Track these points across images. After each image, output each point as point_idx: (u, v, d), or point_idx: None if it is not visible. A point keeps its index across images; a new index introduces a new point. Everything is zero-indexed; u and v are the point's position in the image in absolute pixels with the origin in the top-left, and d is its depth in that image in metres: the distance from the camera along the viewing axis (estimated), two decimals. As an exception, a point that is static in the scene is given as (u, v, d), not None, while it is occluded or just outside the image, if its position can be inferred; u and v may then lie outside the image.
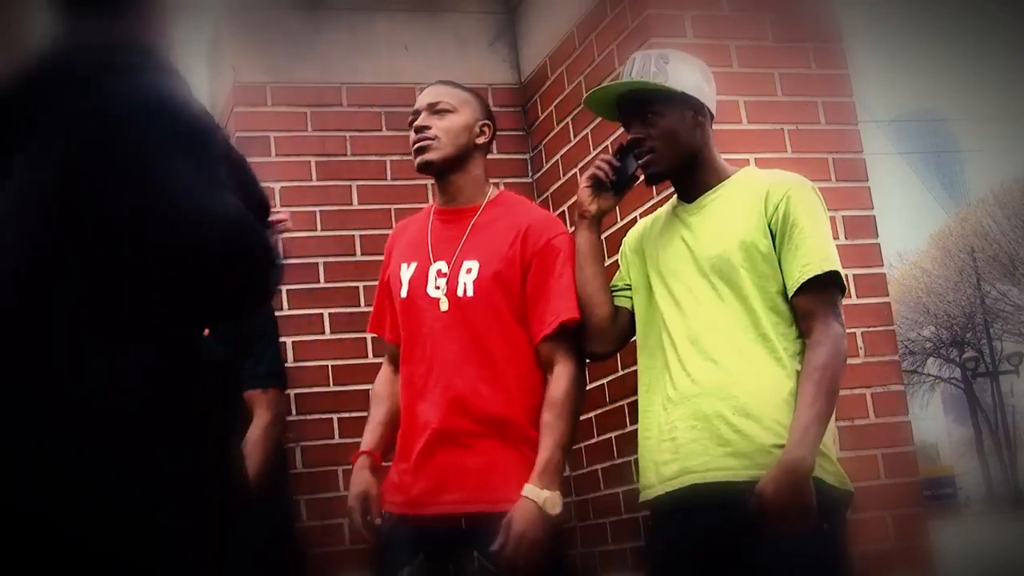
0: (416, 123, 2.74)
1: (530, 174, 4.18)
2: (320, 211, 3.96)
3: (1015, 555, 13.37)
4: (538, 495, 2.48)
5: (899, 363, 3.54)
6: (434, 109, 2.73)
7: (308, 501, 3.69)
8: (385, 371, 2.89)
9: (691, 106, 2.50)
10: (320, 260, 3.93)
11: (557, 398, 2.60)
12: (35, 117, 1.42)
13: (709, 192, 2.53)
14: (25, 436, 1.27)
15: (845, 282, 2.46)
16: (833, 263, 2.40)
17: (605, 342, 2.65)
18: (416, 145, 2.72)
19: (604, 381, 3.70)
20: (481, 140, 2.76)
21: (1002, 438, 33.16)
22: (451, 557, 2.58)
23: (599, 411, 3.76)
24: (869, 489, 3.30)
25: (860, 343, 3.40)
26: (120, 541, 1.29)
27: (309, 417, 3.46)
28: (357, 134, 4.04)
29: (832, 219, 3.48)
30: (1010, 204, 32.79)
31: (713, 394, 2.38)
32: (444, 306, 2.67)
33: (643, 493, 2.50)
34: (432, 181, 2.81)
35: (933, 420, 42.93)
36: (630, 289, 2.66)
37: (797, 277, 2.38)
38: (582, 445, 3.83)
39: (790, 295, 2.41)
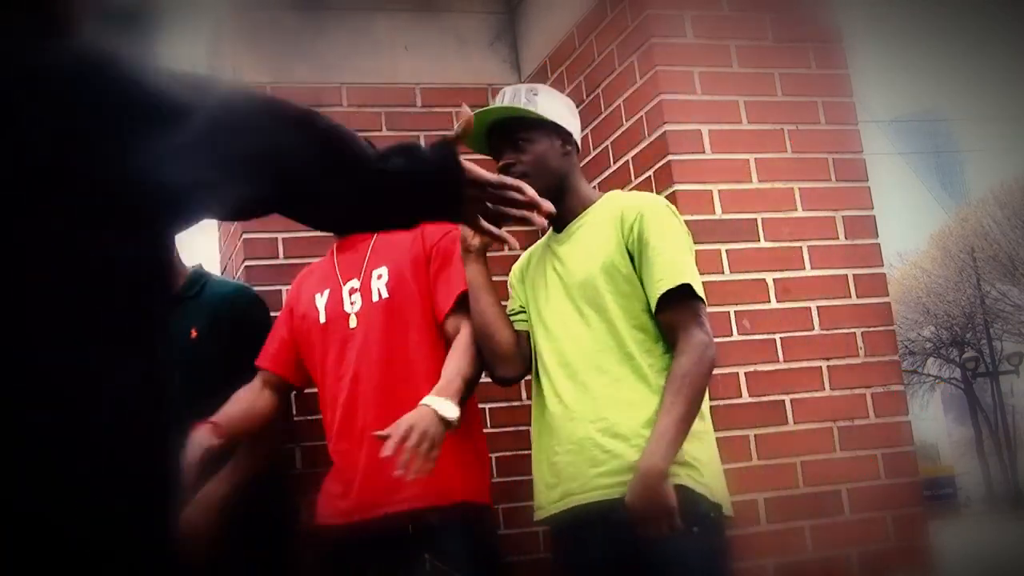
0: None
1: (530, 174, 4.17)
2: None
3: (1015, 555, 13.37)
4: (434, 401, 2.53)
5: (899, 363, 3.54)
6: None
7: (309, 504, 3.69)
8: (253, 385, 2.97)
9: (559, 135, 2.65)
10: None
11: (460, 343, 2.73)
12: None
13: (576, 219, 2.67)
14: (22, 434, 1.27)
15: (703, 292, 2.56)
16: (686, 276, 2.51)
17: (512, 366, 2.73)
18: None
19: (604, 381, 3.71)
20: None
21: (1002, 438, 33.15)
22: (400, 562, 2.64)
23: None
24: (869, 489, 3.31)
25: (860, 343, 3.40)
26: (119, 542, 1.29)
27: (309, 417, 3.45)
28: (357, 134, 4.03)
29: (832, 219, 3.50)
30: (1010, 204, 32.79)
31: (583, 418, 2.50)
32: (353, 322, 2.83)
33: (536, 513, 2.64)
34: None
35: (933, 420, 42.91)
36: (525, 312, 2.76)
37: (653, 293, 2.50)
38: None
39: (653, 312, 2.52)
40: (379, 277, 2.85)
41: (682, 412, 2.40)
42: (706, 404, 2.58)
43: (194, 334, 3.00)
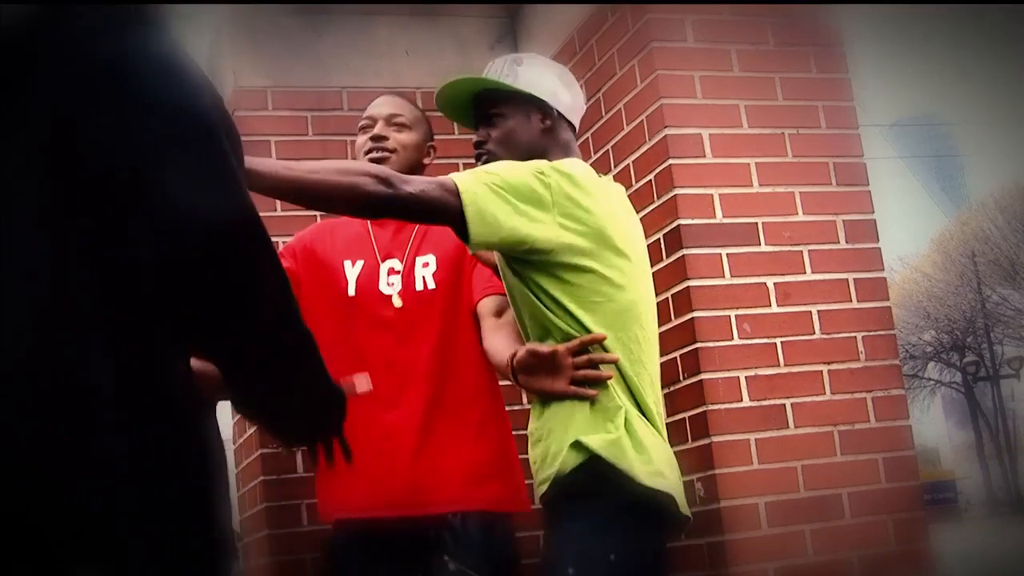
0: (374, 132, 2.75)
1: (531, 178, 4.18)
2: (321, 215, 3.96)
3: (1016, 559, 13.36)
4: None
5: (900, 367, 3.54)
6: (392, 121, 2.76)
7: (309, 505, 3.69)
8: None
9: (538, 108, 2.45)
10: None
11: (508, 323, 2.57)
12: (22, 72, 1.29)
13: None
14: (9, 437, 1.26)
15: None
16: None
17: None
18: (372, 155, 2.71)
19: (605, 385, 3.71)
20: (427, 161, 2.81)
21: (1003, 442, 33.15)
22: (419, 563, 2.56)
23: (600, 415, 3.76)
24: (870, 493, 3.31)
25: (861, 347, 3.40)
26: (98, 545, 1.29)
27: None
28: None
29: (832, 223, 3.50)
30: (1010, 208, 32.80)
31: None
32: (398, 303, 2.67)
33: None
34: None
35: (934, 424, 42.89)
36: None
37: None
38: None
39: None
40: (425, 265, 2.69)
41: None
42: (654, 402, 2.35)
43: None
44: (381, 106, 2.79)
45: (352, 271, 2.73)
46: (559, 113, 2.47)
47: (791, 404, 3.28)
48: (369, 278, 2.71)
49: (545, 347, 2.25)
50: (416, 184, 2.17)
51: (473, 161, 2.49)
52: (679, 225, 3.31)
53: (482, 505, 2.58)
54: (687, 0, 3.49)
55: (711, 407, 3.20)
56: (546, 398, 2.30)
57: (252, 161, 1.97)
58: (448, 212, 2.17)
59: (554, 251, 2.23)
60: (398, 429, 2.61)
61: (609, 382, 2.25)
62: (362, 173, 2.15)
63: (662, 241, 3.37)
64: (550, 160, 2.34)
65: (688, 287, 3.27)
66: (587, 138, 3.78)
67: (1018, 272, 31.70)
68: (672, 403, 3.35)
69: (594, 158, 3.72)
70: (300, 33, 4.02)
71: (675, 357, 3.31)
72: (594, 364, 2.23)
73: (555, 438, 2.26)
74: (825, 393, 3.33)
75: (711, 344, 3.25)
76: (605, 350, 2.26)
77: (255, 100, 3.96)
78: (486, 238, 2.20)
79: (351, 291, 2.72)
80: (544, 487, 2.28)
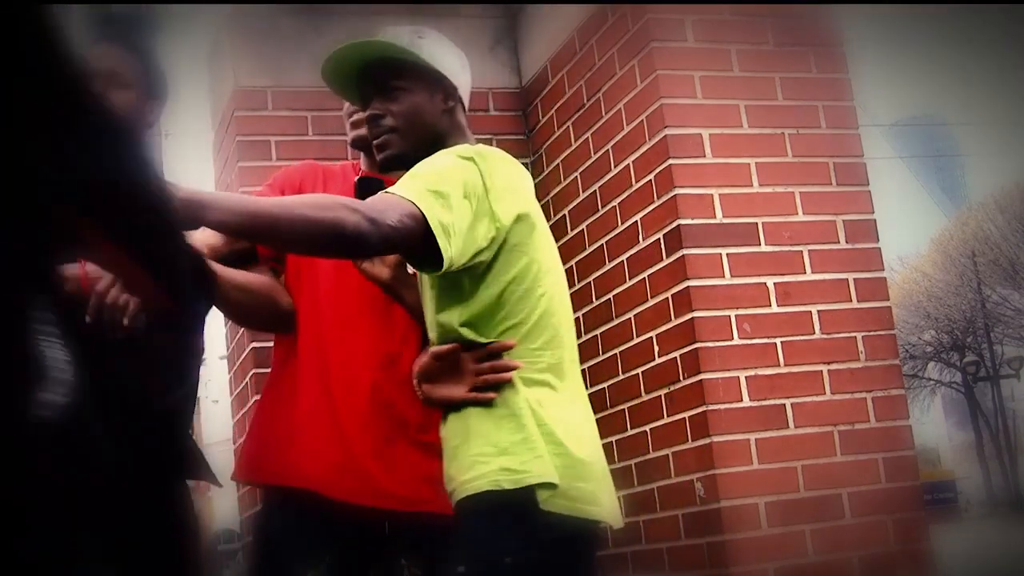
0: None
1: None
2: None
3: (1016, 559, 13.36)
4: None
5: (900, 367, 3.54)
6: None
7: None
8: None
9: (443, 88, 2.24)
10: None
11: None
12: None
13: None
14: None
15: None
16: None
17: None
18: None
19: (605, 385, 3.70)
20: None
21: (1003, 442, 33.13)
22: (371, 560, 2.40)
23: (600, 415, 3.76)
24: (870, 493, 3.31)
25: (861, 347, 3.40)
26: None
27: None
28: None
29: (832, 223, 3.50)
30: (1010, 208, 32.78)
31: None
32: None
33: None
34: None
35: (934, 424, 42.86)
36: None
37: None
38: (583, 449, 3.83)
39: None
40: None
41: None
42: (569, 390, 2.17)
43: None
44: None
45: None
46: (460, 96, 2.28)
47: (791, 404, 3.28)
48: None
49: (446, 347, 2.09)
50: (392, 214, 1.90)
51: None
52: (679, 225, 3.31)
53: (445, 509, 2.24)
54: (687, 0, 3.49)
55: (711, 407, 3.20)
56: (452, 404, 2.12)
57: (199, 193, 1.83)
58: (418, 240, 1.93)
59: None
60: (373, 402, 2.41)
61: (518, 373, 2.05)
62: (340, 207, 1.89)
63: (662, 241, 3.37)
64: (448, 145, 2.17)
65: (688, 287, 3.27)
66: (587, 138, 3.78)
67: (1018, 272, 31.69)
68: (672, 403, 3.35)
69: (594, 158, 3.72)
70: (300, 33, 4.02)
71: (675, 357, 3.32)
72: (497, 368, 2.04)
73: (463, 448, 2.07)
74: (825, 393, 3.33)
75: (711, 344, 3.25)
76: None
77: (256, 100, 3.96)
78: (460, 258, 1.98)
79: None
80: (454, 496, 2.08)
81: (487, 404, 2.05)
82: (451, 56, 2.30)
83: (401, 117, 2.20)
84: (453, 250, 1.94)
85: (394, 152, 2.21)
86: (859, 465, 3.31)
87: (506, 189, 2.07)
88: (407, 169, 2.11)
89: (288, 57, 4.00)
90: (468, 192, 2.00)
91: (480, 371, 2.06)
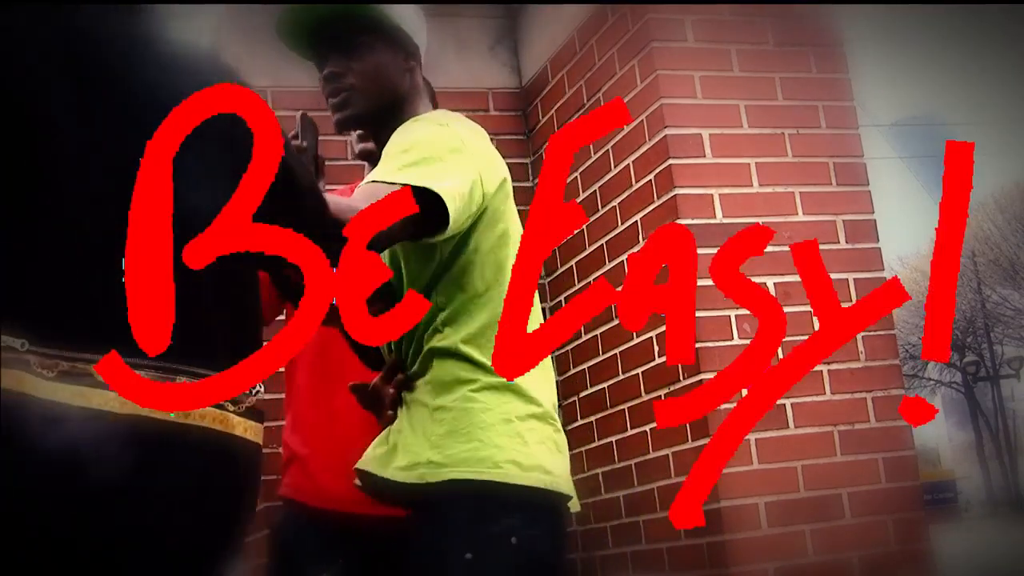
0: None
1: (530, 178, 4.18)
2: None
3: (1016, 559, 13.36)
4: None
5: (900, 367, 3.54)
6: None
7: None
8: None
9: (404, 47, 2.11)
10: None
11: None
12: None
13: None
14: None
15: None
16: None
17: None
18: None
19: (605, 385, 3.70)
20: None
21: (1003, 442, 33.14)
22: (385, 564, 2.38)
23: (599, 415, 3.76)
24: (870, 493, 3.31)
25: (861, 347, 3.40)
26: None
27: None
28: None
29: (833, 223, 3.50)
30: (1010, 208, 32.79)
31: None
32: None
33: None
34: None
35: (934, 424, 42.80)
36: None
37: None
38: (583, 449, 3.83)
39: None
40: None
41: None
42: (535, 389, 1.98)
43: None
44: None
45: None
46: (420, 57, 2.17)
47: (791, 404, 3.28)
48: None
49: (361, 384, 2.05)
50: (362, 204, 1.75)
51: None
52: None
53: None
54: (687, 0, 3.49)
55: (711, 407, 3.20)
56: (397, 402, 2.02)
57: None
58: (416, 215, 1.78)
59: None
60: (336, 419, 2.47)
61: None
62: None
63: (662, 241, 3.37)
64: (410, 108, 2.09)
65: (688, 287, 3.27)
66: (587, 138, 3.78)
67: (1018, 272, 31.70)
68: (672, 403, 3.35)
69: (594, 158, 3.72)
70: (300, 33, 4.02)
71: (675, 357, 3.32)
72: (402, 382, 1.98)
73: (410, 438, 1.94)
74: (825, 393, 3.33)
75: (711, 344, 3.25)
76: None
77: (255, 100, 3.95)
78: (460, 219, 1.87)
79: None
80: (399, 478, 1.92)
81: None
82: (412, 14, 2.18)
83: (363, 75, 2.07)
84: (454, 212, 1.82)
85: (354, 112, 2.10)
86: (859, 465, 3.31)
87: (485, 154, 1.99)
88: (365, 129, 2.10)
89: (288, 56, 3.99)
90: (457, 154, 1.91)
91: (396, 388, 1.99)
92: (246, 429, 1.47)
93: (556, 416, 1.98)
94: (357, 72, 2.07)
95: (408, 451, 1.91)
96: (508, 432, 1.88)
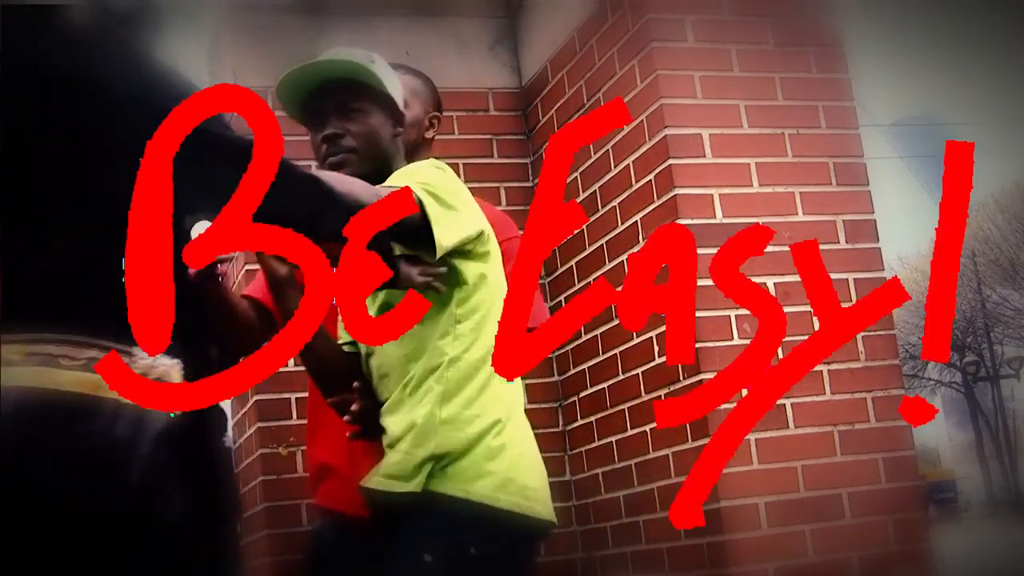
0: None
1: (530, 178, 4.17)
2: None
3: (1016, 559, 13.36)
4: None
5: (900, 367, 3.54)
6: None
7: (309, 505, 3.69)
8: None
9: (393, 115, 2.27)
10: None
11: None
12: None
13: None
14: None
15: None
16: None
17: None
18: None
19: (605, 385, 3.70)
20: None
21: (1003, 442, 33.13)
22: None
23: (599, 415, 3.76)
24: (870, 493, 3.31)
25: (861, 347, 3.40)
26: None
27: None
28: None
29: (833, 223, 3.50)
30: (1010, 208, 32.78)
31: None
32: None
33: None
34: None
35: (934, 424, 42.80)
36: None
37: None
38: (583, 449, 3.83)
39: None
40: None
41: None
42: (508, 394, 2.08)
43: None
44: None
45: None
46: (405, 122, 2.32)
47: (791, 404, 3.28)
48: None
49: (333, 405, 2.18)
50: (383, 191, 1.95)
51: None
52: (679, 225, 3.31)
53: None
54: None
55: (711, 407, 3.20)
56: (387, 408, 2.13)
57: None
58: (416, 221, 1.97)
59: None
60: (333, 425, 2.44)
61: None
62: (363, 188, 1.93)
63: (662, 241, 3.37)
64: (392, 168, 2.21)
65: (688, 287, 3.27)
66: (587, 138, 3.78)
67: (1018, 272, 31.69)
68: (672, 403, 3.35)
69: (594, 158, 3.72)
70: (300, 33, 4.02)
71: (675, 357, 3.32)
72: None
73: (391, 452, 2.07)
74: (825, 393, 3.33)
75: (711, 344, 3.25)
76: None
77: (255, 100, 3.95)
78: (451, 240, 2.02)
79: None
80: (381, 487, 2.07)
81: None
82: (397, 84, 2.32)
83: (360, 138, 2.21)
84: (444, 234, 1.97)
85: (351, 173, 2.16)
86: (859, 465, 3.31)
87: (473, 202, 2.14)
88: None
89: (288, 57, 3.99)
90: (453, 194, 2.05)
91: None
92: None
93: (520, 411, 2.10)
94: (355, 135, 2.22)
95: (387, 463, 2.06)
96: (484, 450, 2.01)
